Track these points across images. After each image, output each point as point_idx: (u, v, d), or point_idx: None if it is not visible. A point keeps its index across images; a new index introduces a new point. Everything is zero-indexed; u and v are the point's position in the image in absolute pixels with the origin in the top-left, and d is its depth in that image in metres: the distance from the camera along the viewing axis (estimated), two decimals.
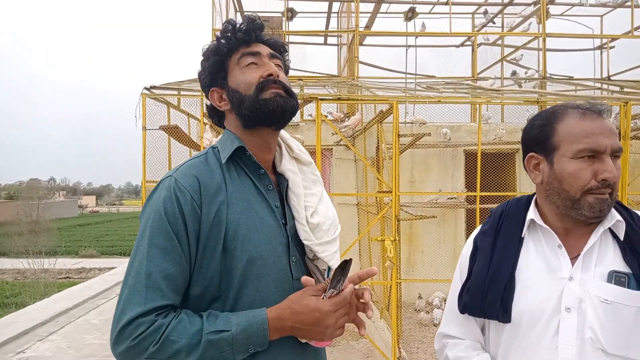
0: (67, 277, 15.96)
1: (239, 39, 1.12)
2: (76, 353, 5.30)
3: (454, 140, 6.78)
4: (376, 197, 5.68)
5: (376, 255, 5.95)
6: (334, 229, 1.18)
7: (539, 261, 1.15)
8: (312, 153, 4.84)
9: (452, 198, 6.58)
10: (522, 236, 1.19)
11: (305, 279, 1.08)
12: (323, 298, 1.00)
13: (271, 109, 1.08)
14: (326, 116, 5.31)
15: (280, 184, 1.16)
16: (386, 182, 4.99)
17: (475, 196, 5.18)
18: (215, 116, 1.20)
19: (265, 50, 1.15)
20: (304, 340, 1.06)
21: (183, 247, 0.98)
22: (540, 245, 1.16)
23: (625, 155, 4.70)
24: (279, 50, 1.19)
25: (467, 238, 1.30)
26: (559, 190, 1.11)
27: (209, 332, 0.94)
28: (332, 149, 7.05)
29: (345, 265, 1.01)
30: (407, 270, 6.61)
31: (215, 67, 1.13)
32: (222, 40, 1.13)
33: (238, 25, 1.13)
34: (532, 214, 1.18)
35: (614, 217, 1.11)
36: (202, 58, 1.17)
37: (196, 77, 1.22)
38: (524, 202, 1.23)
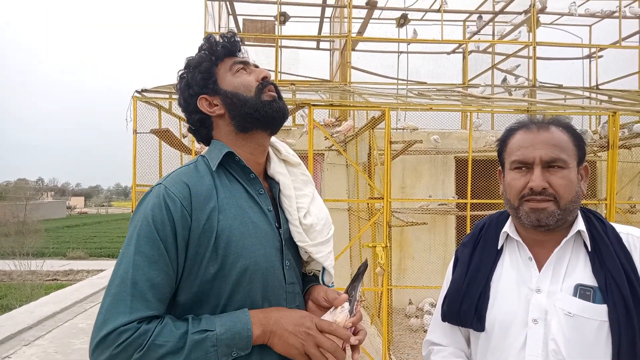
0: (55, 279, 15.74)
1: (225, 48, 1.15)
2: (63, 358, 5.23)
3: (445, 146, 6.83)
4: (367, 203, 5.70)
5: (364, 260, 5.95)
6: (328, 229, 1.18)
7: (513, 272, 1.19)
8: (304, 158, 4.84)
9: (442, 204, 6.61)
10: (500, 248, 1.23)
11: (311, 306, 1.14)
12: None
13: (275, 110, 1.12)
14: (318, 122, 5.31)
15: (272, 188, 1.17)
16: (377, 188, 5.01)
17: (465, 203, 5.22)
18: (203, 129, 1.18)
19: (249, 59, 1.19)
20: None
21: (170, 255, 0.97)
22: (515, 256, 1.21)
23: (614, 165, 4.76)
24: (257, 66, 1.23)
25: (457, 244, 1.34)
26: (507, 200, 1.19)
27: (194, 332, 0.93)
28: (324, 154, 7.06)
29: (364, 269, 1.04)
30: (397, 276, 6.63)
31: (207, 74, 1.14)
32: (208, 51, 1.15)
33: (220, 38, 1.17)
34: (507, 227, 1.23)
35: (577, 228, 1.14)
36: (183, 70, 1.17)
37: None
38: (506, 216, 1.27)
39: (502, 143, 1.22)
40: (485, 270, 1.21)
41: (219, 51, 1.15)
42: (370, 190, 5.67)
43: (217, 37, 1.18)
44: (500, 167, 1.26)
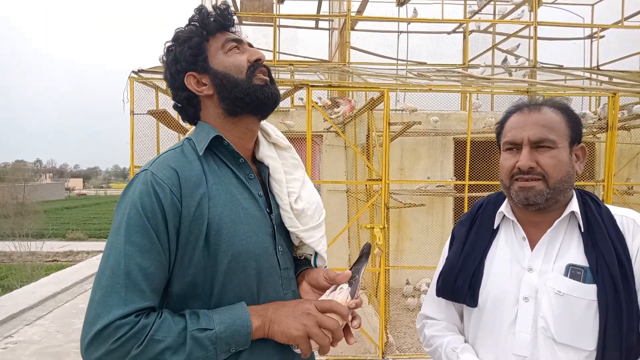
0: (55, 260, 15.84)
1: (217, 22, 1.09)
2: (65, 337, 5.30)
3: (444, 128, 6.80)
4: (366, 185, 5.70)
5: (365, 242, 5.99)
6: (319, 214, 1.15)
7: (507, 251, 1.21)
8: (303, 139, 4.83)
9: (440, 186, 6.62)
10: (495, 227, 1.26)
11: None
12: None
13: (266, 96, 1.07)
14: (316, 102, 5.28)
15: (262, 172, 1.13)
16: (376, 170, 5.01)
17: (463, 185, 5.22)
18: (190, 107, 1.12)
19: (245, 38, 1.13)
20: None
21: (162, 244, 0.94)
22: (510, 236, 1.23)
23: (612, 146, 4.75)
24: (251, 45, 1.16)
25: (455, 226, 1.37)
26: (501, 180, 1.22)
27: (194, 330, 0.91)
28: (322, 135, 7.04)
29: (368, 251, 1.05)
30: (395, 257, 6.68)
31: (196, 49, 1.07)
32: (199, 23, 1.08)
33: (213, 10, 1.09)
34: (503, 207, 1.26)
35: (570, 208, 1.16)
36: (170, 43, 1.10)
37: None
38: (503, 196, 1.29)
39: (500, 126, 1.25)
40: (480, 248, 1.24)
41: (210, 25, 1.08)
42: (368, 172, 5.66)
43: (210, 9, 1.10)
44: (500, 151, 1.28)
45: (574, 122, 1.17)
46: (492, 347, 1.18)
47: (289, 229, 1.10)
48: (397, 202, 5.97)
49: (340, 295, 1.03)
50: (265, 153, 1.14)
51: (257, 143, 1.16)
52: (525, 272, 1.16)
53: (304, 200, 1.12)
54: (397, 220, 6.74)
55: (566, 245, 1.15)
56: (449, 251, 1.33)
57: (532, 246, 1.18)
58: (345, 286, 1.05)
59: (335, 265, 1.26)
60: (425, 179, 6.59)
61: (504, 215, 1.25)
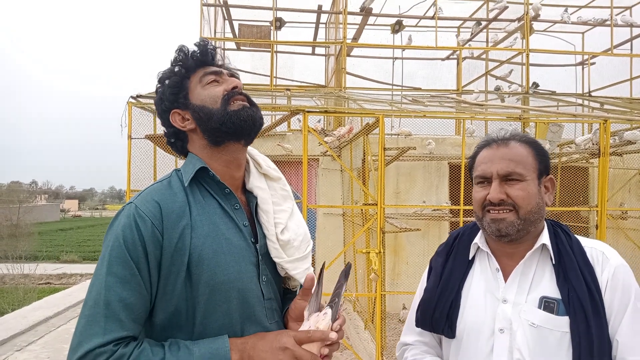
0: (48, 283, 15.66)
1: (196, 60, 1.12)
2: None
3: (439, 152, 6.87)
4: (362, 209, 5.72)
5: (361, 266, 5.98)
6: (306, 245, 1.15)
7: (482, 282, 1.23)
8: (299, 163, 4.87)
9: (436, 210, 6.65)
10: (471, 258, 1.28)
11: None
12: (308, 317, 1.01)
13: (242, 119, 1.08)
14: (314, 129, 5.34)
15: (250, 202, 1.14)
16: (371, 194, 5.04)
17: (459, 209, 5.25)
18: (179, 141, 1.15)
19: (224, 69, 1.15)
20: None
21: (143, 275, 0.96)
22: (485, 267, 1.25)
23: (605, 172, 4.81)
24: (233, 74, 1.18)
25: (432, 256, 1.38)
26: (474, 213, 1.25)
27: None
28: (318, 159, 7.09)
29: (347, 273, 1.02)
30: (391, 282, 6.65)
31: (176, 88, 1.11)
32: (180, 62, 1.12)
33: (193, 50, 1.13)
34: (478, 238, 1.28)
35: (541, 241, 1.19)
36: (157, 84, 1.15)
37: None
38: (478, 227, 1.30)
39: (472, 160, 1.28)
40: (456, 279, 1.26)
41: (189, 63, 1.12)
42: (364, 196, 5.69)
43: (192, 46, 1.14)
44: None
45: (541, 155, 1.21)
46: None
47: (275, 259, 1.11)
48: (393, 227, 5.98)
49: (324, 322, 1.02)
50: (255, 184, 1.15)
51: (248, 172, 1.17)
52: (500, 303, 1.18)
53: (290, 231, 1.13)
54: (393, 244, 6.74)
55: (539, 276, 1.17)
56: (427, 282, 1.34)
57: (506, 277, 1.20)
58: (329, 311, 1.04)
59: (331, 290, 1.26)
60: (421, 203, 6.62)
61: (479, 247, 1.27)
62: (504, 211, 1.16)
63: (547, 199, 1.21)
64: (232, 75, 1.16)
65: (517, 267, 1.19)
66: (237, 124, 1.08)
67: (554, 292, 1.14)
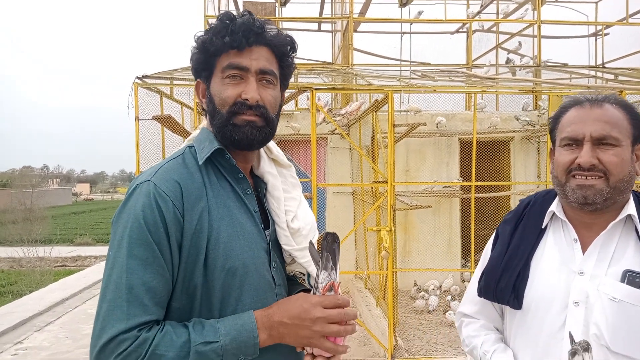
0: (63, 265, 15.94)
1: (226, 44, 1.00)
2: (74, 343, 5.33)
3: (449, 128, 6.78)
4: (371, 187, 5.69)
5: (372, 245, 5.99)
6: (313, 234, 1.15)
7: (555, 252, 1.16)
8: (307, 142, 4.83)
9: (447, 187, 6.60)
10: (544, 227, 1.20)
11: None
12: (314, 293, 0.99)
13: (236, 139, 1.02)
14: (322, 106, 5.28)
15: (259, 187, 1.12)
16: (381, 172, 5.00)
17: (470, 185, 5.20)
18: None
19: (256, 64, 1.03)
20: (299, 350, 1.02)
21: (165, 257, 0.93)
22: (559, 237, 1.18)
23: None
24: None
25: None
26: (554, 177, 1.16)
27: (198, 344, 0.89)
28: (327, 137, 7.04)
29: (333, 240, 0.97)
30: (402, 259, 6.66)
31: (200, 65, 1.06)
32: (212, 39, 1.01)
33: (231, 24, 1.00)
34: (554, 206, 1.20)
35: (627, 211, 1.10)
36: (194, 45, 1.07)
37: (189, 65, 1.11)
38: (553, 194, 1.24)
39: (554, 120, 1.19)
40: (526, 249, 1.19)
41: (216, 45, 1.01)
42: (374, 174, 5.66)
43: (236, 17, 1.02)
44: (552, 147, 1.22)
45: (636, 120, 1.11)
46: (534, 351, 1.14)
47: (284, 246, 1.10)
48: (404, 204, 5.95)
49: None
50: (266, 169, 1.13)
51: (258, 157, 1.15)
52: (576, 275, 1.10)
53: (300, 220, 1.12)
54: (403, 222, 6.72)
55: (621, 250, 1.09)
56: (492, 250, 1.27)
57: (584, 248, 1.12)
58: (333, 274, 1.00)
59: (343, 268, 1.25)
60: (431, 180, 6.57)
61: (554, 215, 1.19)
62: (594, 177, 1.07)
63: (639, 168, 1.12)
64: (264, 72, 1.03)
65: (597, 238, 1.11)
66: (234, 137, 1.02)
67: (639, 266, 1.06)
